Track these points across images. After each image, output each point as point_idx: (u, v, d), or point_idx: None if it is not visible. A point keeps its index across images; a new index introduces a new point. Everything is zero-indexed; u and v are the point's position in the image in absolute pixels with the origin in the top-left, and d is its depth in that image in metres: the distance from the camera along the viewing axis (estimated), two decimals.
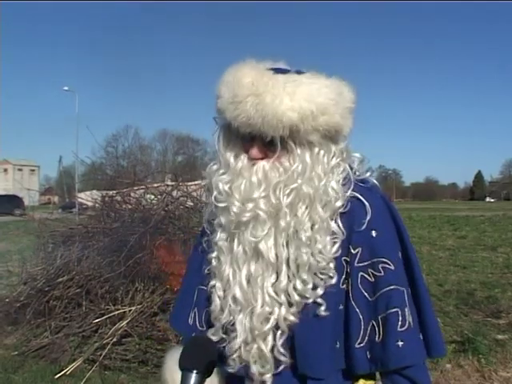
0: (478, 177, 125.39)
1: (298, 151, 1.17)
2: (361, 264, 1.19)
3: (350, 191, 1.21)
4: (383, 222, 1.22)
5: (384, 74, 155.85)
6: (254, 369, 1.19)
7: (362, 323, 1.19)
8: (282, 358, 1.18)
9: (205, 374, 1.14)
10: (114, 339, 4.24)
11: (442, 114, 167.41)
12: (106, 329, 4.38)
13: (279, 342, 1.17)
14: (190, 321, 1.36)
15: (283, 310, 1.17)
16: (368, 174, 1.28)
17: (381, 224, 1.21)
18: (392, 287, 1.18)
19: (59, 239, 5.63)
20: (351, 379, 1.24)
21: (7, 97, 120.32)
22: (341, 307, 1.21)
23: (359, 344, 1.18)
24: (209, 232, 1.31)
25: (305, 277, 1.16)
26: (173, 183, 6.18)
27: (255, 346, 1.18)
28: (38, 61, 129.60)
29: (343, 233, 1.19)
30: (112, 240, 4.94)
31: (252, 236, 1.17)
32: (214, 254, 1.26)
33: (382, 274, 1.18)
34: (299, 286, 1.16)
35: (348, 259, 1.20)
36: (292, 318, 1.16)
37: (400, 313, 1.17)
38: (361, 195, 1.21)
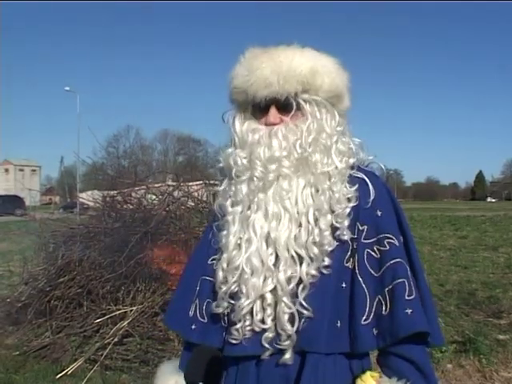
0: (479, 177, 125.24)
1: (310, 110, 1.26)
2: (367, 241, 1.24)
3: (355, 172, 1.29)
4: (385, 204, 1.29)
5: (385, 73, 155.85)
6: (281, 328, 1.17)
7: (368, 299, 1.21)
8: (306, 312, 1.18)
9: None
10: (115, 339, 4.24)
11: (443, 113, 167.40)
12: (107, 329, 4.38)
13: (301, 297, 1.18)
14: (191, 313, 1.35)
15: (304, 265, 1.19)
16: (371, 157, 1.35)
17: (383, 206, 1.28)
18: (397, 260, 1.21)
19: (60, 239, 5.62)
20: (356, 363, 1.23)
21: (8, 97, 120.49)
22: (343, 285, 1.23)
23: (365, 320, 1.19)
24: (220, 216, 1.33)
25: (324, 227, 1.20)
26: (174, 183, 6.19)
27: (282, 304, 1.19)
28: (39, 60, 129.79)
29: (356, 194, 1.25)
30: (113, 240, 4.94)
31: (277, 194, 1.22)
32: (225, 232, 1.28)
33: (387, 248, 1.23)
34: (317, 237, 1.20)
35: (354, 236, 1.24)
36: (314, 272, 1.19)
37: (406, 282, 1.19)
38: (365, 176, 1.29)
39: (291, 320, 1.18)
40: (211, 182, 5.94)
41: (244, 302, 1.20)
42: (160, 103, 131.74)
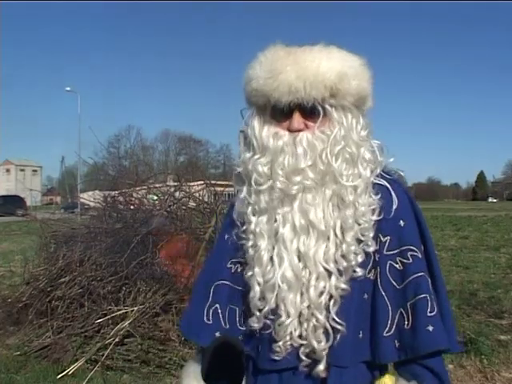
0: (481, 177, 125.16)
1: (336, 116, 1.20)
2: (390, 252, 1.21)
3: (378, 178, 1.24)
4: (408, 214, 1.25)
5: (385, 74, 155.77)
6: (315, 343, 1.16)
7: (390, 311, 1.19)
8: (339, 327, 1.16)
9: None
10: (116, 339, 4.24)
11: (444, 114, 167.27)
12: (108, 329, 4.38)
13: (333, 311, 1.16)
14: (209, 321, 1.30)
15: (333, 278, 1.17)
16: (392, 159, 1.29)
17: (407, 215, 1.25)
18: (420, 274, 1.20)
19: (61, 239, 5.63)
20: (376, 371, 1.23)
21: (8, 97, 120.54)
22: (365, 296, 1.21)
23: (387, 333, 1.19)
24: (239, 223, 1.28)
25: (349, 240, 1.17)
26: (175, 184, 6.19)
27: (314, 319, 1.17)
28: (40, 61, 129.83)
29: (379, 203, 1.20)
30: (114, 240, 4.94)
31: (303, 208, 1.17)
32: (251, 243, 1.23)
33: (411, 261, 1.20)
34: (346, 251, 1.17)
35: (377, 248, 1.21)
36: (343, 285, 1.17)
37: (428, 298, 1.18)
38: (388, 184, 1.25)
39: (326, 334, 1.17)
40: (212, 182, 5.94)
41: (286, 321, 1.17)
42: (160, 103, 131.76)
